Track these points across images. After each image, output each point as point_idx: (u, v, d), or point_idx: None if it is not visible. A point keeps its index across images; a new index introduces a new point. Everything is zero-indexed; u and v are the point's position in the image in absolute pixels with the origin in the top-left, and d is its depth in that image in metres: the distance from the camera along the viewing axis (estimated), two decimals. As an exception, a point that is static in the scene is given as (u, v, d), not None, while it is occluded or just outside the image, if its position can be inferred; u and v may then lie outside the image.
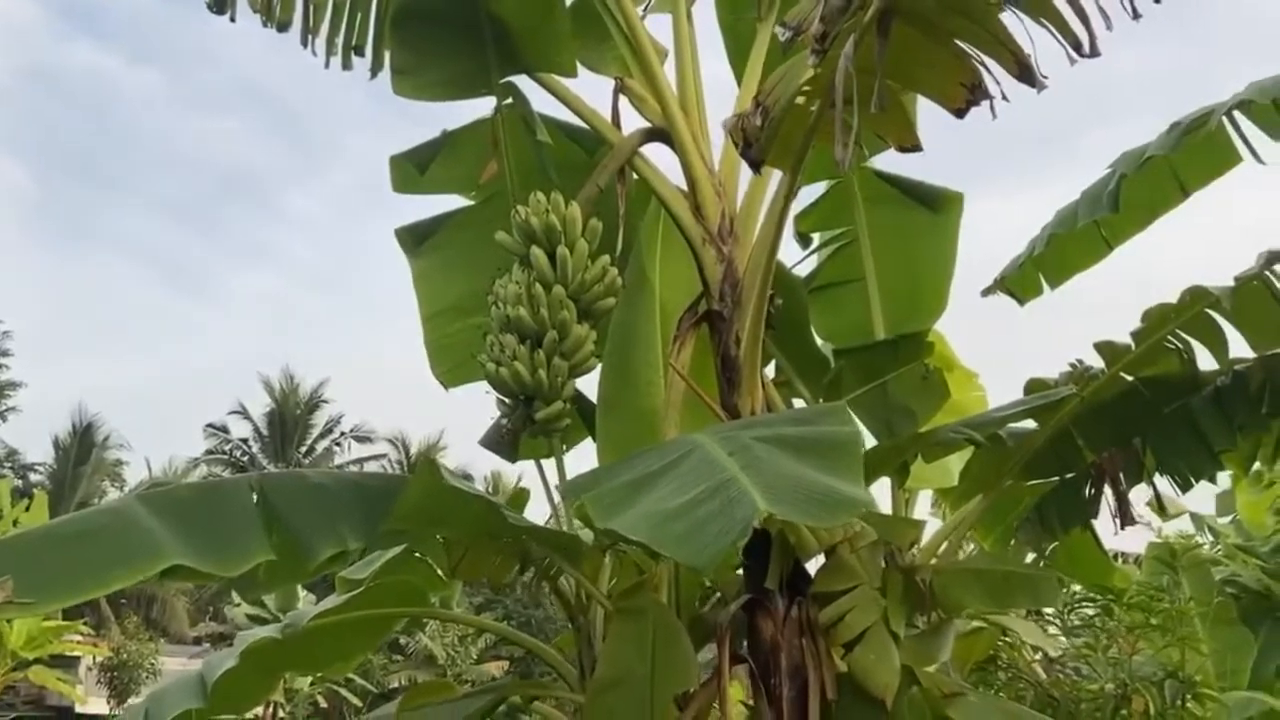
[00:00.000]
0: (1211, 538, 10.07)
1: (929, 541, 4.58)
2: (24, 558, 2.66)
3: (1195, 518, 9.80)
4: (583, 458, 4.92)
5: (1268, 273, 3.96)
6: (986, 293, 5.66)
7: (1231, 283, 3.98)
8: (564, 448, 4.37)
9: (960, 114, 2.80)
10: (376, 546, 3.48)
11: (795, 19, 2.38)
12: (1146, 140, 4.67)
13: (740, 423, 3.13)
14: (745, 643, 3.39)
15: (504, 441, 4.17)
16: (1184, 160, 4.97)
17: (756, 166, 3.04)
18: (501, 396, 3.46)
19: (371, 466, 40.48)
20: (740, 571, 3.52)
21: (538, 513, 4.92)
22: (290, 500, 3.32)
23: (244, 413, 40.33)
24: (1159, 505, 4.09)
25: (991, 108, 2.63)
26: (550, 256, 3.42)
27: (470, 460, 40.22)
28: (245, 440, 40.57)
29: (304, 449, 40.75)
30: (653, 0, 4.22)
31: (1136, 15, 2.28)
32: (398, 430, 40.01)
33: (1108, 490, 4.29)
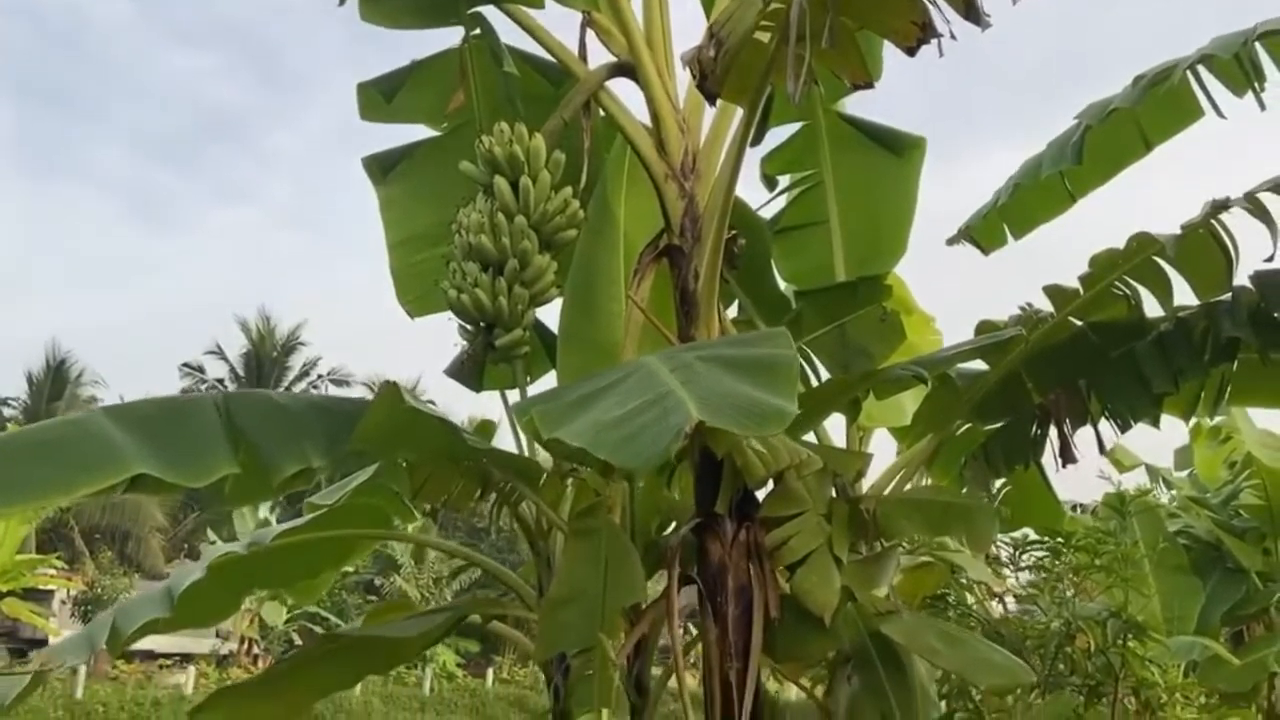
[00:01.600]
0: (1167, 491, 10.33)
1: (879, 479, 4.73)
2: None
3: (1151, 470, 10.04)
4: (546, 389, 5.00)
5: (1213, 221, 4.06)
6: (951, 242, 5.76)
7: (1178, 231, 4.09)
8: (528, 379, 4.46)
9: (911, 52, 2.87)
10: (340, 467, 3.57)
11: (748, -49, 2.45)
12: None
13: (686, 346, 3.24)
14: (695, 567, 3.53)
15: (467, 370, 4.26)
16: (1147, 113, 5.05)
17: (712, 99, 3.11)
18: (463, 323, 3.54)
19: (348, 410, 40.45)
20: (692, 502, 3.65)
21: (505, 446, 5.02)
22: (255, 418, 3.40)
23: (220, 353, 40.17)
24: (1101, 448, 4.23)
25: (939, 47, 2.70)
26: (513, 186, 3.48)
27: (449, 404, 40.24)
28: (221, 381, 40.42)
29: (280, 390, 40.70)
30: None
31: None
32: (375, 374, 39.94)
33: (1053, 432, 4.43)
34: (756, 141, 4.19)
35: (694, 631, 3.96)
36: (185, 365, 39.97)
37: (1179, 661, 7.28)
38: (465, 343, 3.56)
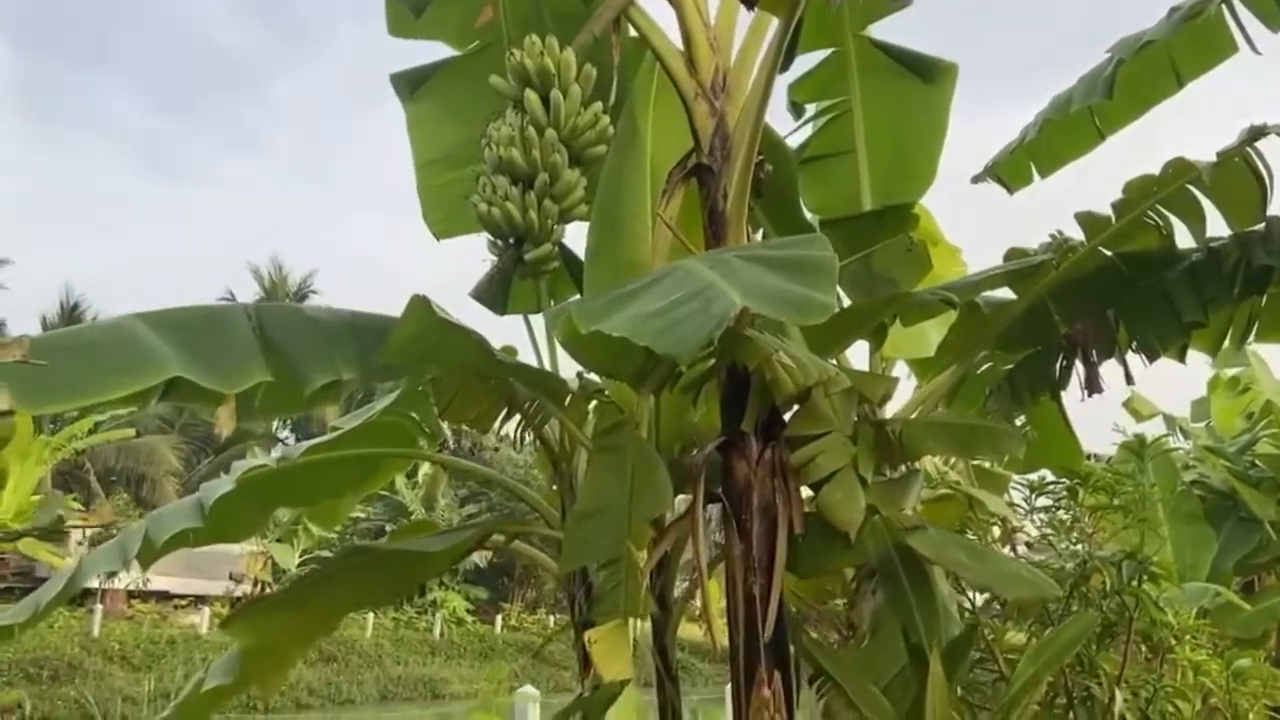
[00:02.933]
0: (1184, 440, 10.32)
1: (902, 407, 4.73)
2: (21, 365, 2.73)
3: (1168, 419, 10.02)
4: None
5: (1248, 149, 4.01)
6: (976, 180, 5.71)
7: (1214, 158, 4.05)
8: (550, 301, 4.46)
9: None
10: (369, 379, 3.59)
11: None
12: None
13: (721, 250, 3.22)
14: (720, 485, 3.55)
15: (495, 288, 4.26)
16: (1180, 47, 4.97)
17: (750, 4, 3.07)
18: (492, 237, 3.53)
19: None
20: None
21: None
22: (286, 329, 3.43)
23: (232, 299, 40.27)
24: (1129, 378, 4.22)
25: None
26: (544, 100, 3.46)
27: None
28: (234, 328, 40.58)
29: (293, 338, 40.80)
30: None
31: None
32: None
33: (1079, 363, 4.42)
34: (785, 66, 4.14)
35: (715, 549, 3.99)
36: (198, 312, 40.09)
37: (1191, 606, 7.34)
38: (493, 258, 3.55)
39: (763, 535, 3.38)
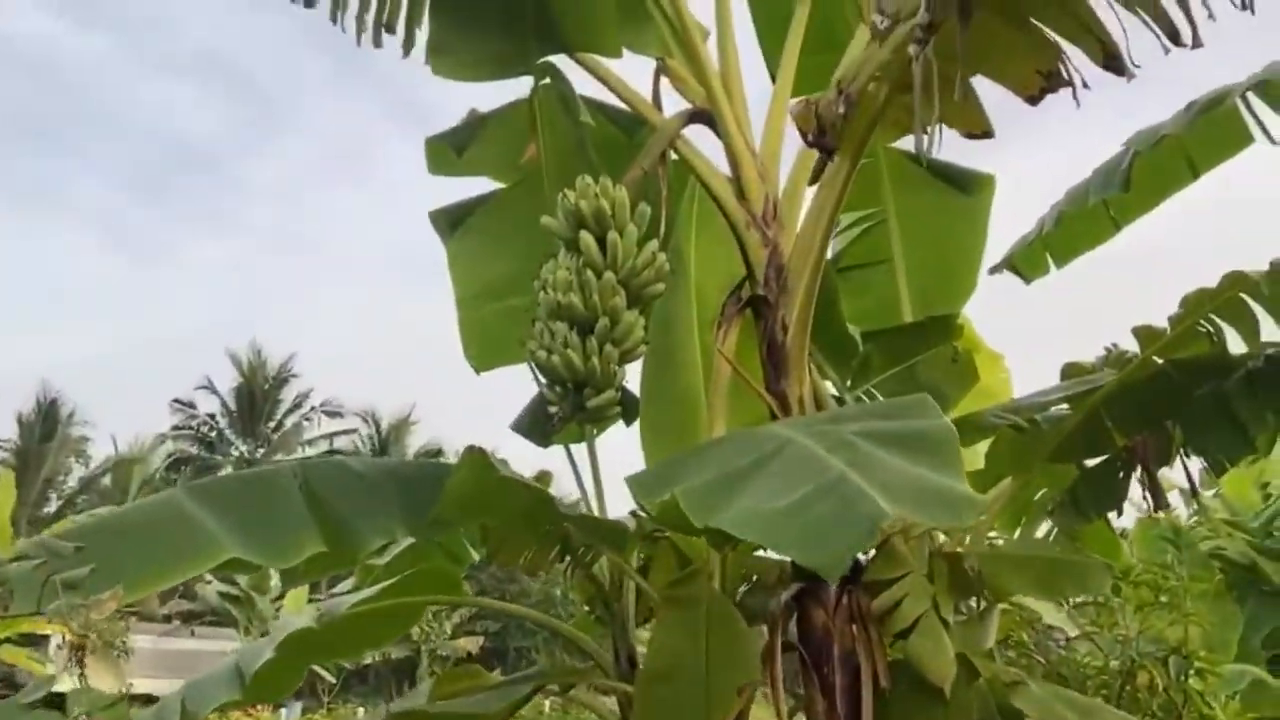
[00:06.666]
0: (1197, 513, 10.23)
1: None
2: (86, 554, 2.58)
3: (1185, 494, 9.93)
4: (609, 441, 4.85)
5: (1303, 257, 3.96)
6: (994, 271, 5.68)
7: (1266, 267, 4.00)
8: (594, 432, 4.33)
9: (1034, 101, 2.76)
10: (421, 534, 3.43)
11: (892, 6, 2.33)
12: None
13: (824, 417, 3.10)
14: (796, 631, 3.39)
15: (536, 421, 4.13)
16: (1196, 140, 4.99)
17: (830, 154, 2.99)
18: (550, 384, 3.39)
19: (341, 442, 40.21)
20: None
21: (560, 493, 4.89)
22: (335, 490, 3.28)
23: (211, 387, 39.87)
24: (1194, 490, 4.11)
25: (1074, 95, 2.59)
26: (600, 241, 3.35)
27: (441, 435, 40.00)
28: (213, 416, 40.10)
29: (273, 424, 40.34)
30: (687, -24, 4.13)
31: (1246, 6, 2.25)
32: (368, 405, 39.77)
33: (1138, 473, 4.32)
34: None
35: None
36: (176, 401, 39.66)
37: (1230, 691, 7.19)
38: (552, 403, 3.41)
39: (847, 689, 3.20)
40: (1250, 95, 4.56)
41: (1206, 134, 4.90)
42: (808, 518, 1.93)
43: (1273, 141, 4.70)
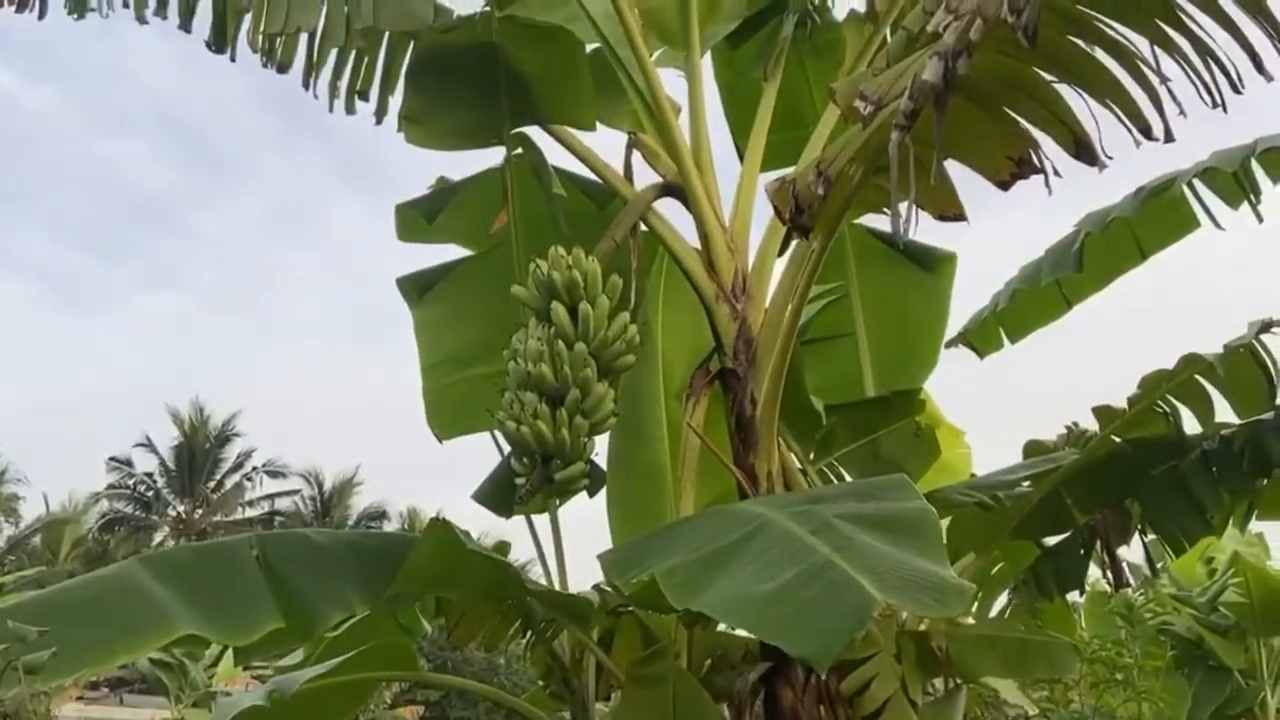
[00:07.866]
0: (1143, 588, 10.32)
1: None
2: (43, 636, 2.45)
3: (1135, 569, 10.03)
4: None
5: (1254, 341, 4.07)
6: (949, 345, 5.77)
7: (1220, 350, 4.10)
8: (557, 502, 4.27)
9: (1005, 186, 2.82)
10: (382, 609, 3.33)
11: (875, 93, 2.37)
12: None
13: (801, 497, 3.08)
14: (763, 712, 3.33)
15: (498, 492, 4.07)
16: (1144, 223, 5.15)
17: (806, 233, 3.02)
18: (519, 455, 3.34)
19: (284, 503, 39.29)
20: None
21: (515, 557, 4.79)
22: (294, 564, 3.19)
23: (150, 445, 38.77)
24: (1153, 569, 4.15)
25: (1046, 182, 2.65)
26: (571, 312, 3.33)
27: (385, 497, 39.20)
28: (150, 475, 38.97)
29: (212, 484, 39.31)
30: (659, 54, 4.20)
31: (1217, 105, 2.32)
32: (312, 465, 38.95)
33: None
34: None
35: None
36: (113, 459, 38.45)
37: (1182, 768, 7.20)
38: (520, 475, 3.35)
39: (816, 770, 3.15)
40: (1196, 182, 4.73)
41: (1154, 217, 5.05)
42: (794, 604, 1.89)
43: (1218, 226, 4.87)
